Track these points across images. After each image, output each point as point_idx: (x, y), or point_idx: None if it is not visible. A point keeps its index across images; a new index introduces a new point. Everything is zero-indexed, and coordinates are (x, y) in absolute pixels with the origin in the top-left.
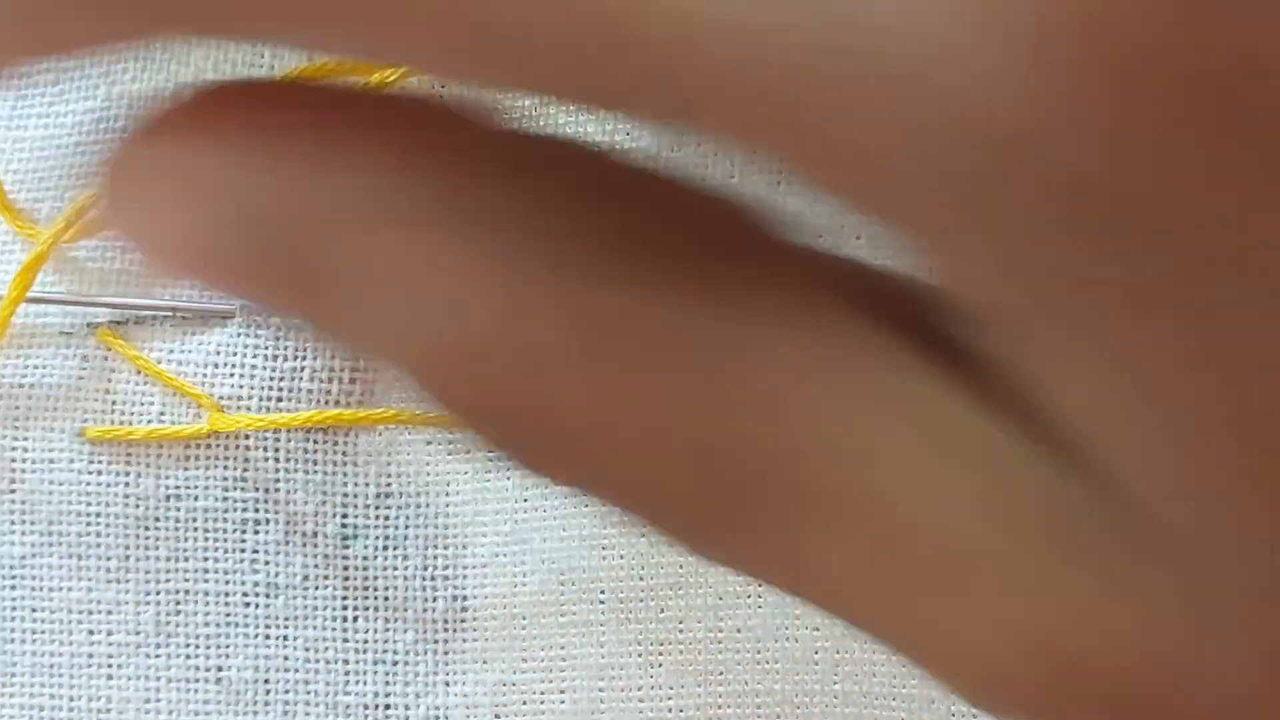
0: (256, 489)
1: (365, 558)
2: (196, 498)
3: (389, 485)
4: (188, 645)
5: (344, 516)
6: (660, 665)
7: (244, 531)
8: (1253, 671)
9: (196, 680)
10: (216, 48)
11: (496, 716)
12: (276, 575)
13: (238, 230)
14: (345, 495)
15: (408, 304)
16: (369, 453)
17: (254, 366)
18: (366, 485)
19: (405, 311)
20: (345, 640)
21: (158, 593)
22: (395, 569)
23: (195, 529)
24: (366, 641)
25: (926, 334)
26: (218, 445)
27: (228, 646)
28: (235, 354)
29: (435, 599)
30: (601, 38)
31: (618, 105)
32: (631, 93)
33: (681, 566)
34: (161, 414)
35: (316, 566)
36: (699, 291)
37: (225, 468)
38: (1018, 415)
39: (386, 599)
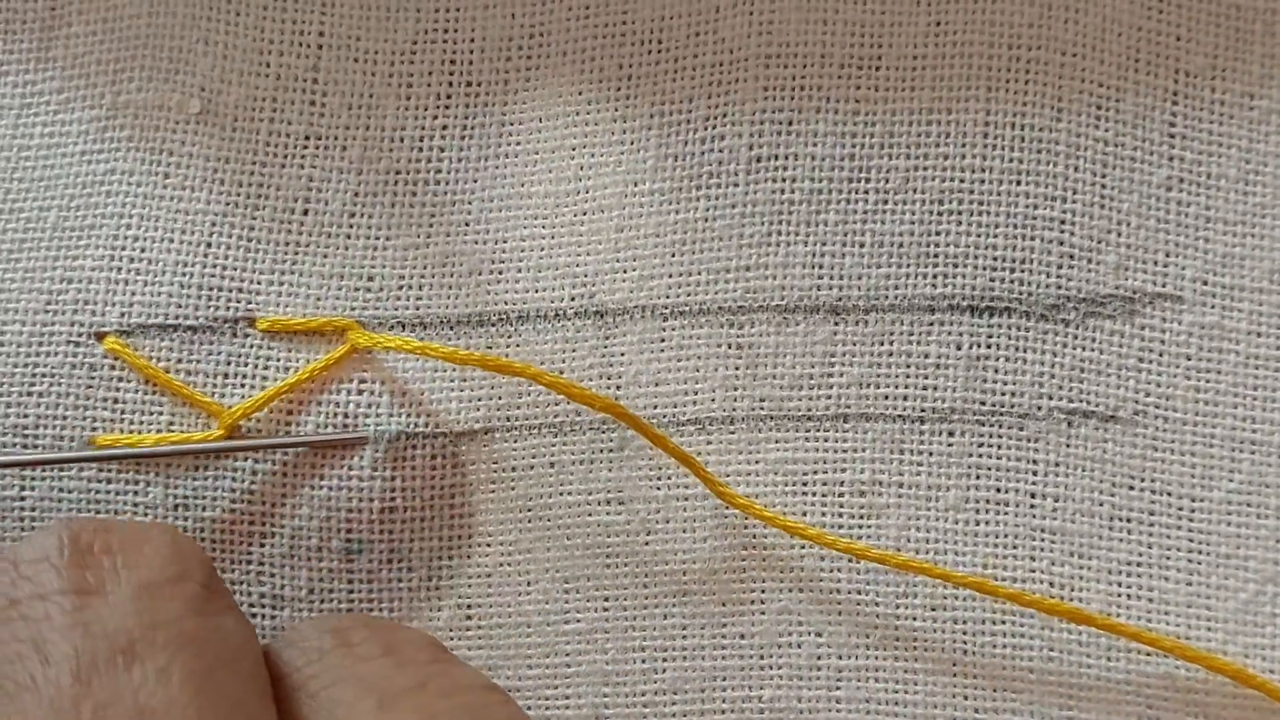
0: (262, 502)
1: (370, 571)
2: (204, 509)
3: (393, 500)
4: None
5: (348, 532)
6: (664, 672)
7: (250, 544)
8: None
9: None
10: (221, 57)
11: None
12: (283, 587)
13: None
14: (349, 511)
15: None
16: (372, 469)
17: (265, 377)
18: (370, 501)
19: None
20: None
21: None
22: (400, 581)
23: (202, 539)
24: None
25: None
26: (225, 457)
27: None
28: (247, 364)
29: (440, 608)
30: None
31: None
32: None
33: (685, 575)
34: (170, 423)
35: (321, 580)
36: None
37: (232, 480)
38: None
39: (392, 610)
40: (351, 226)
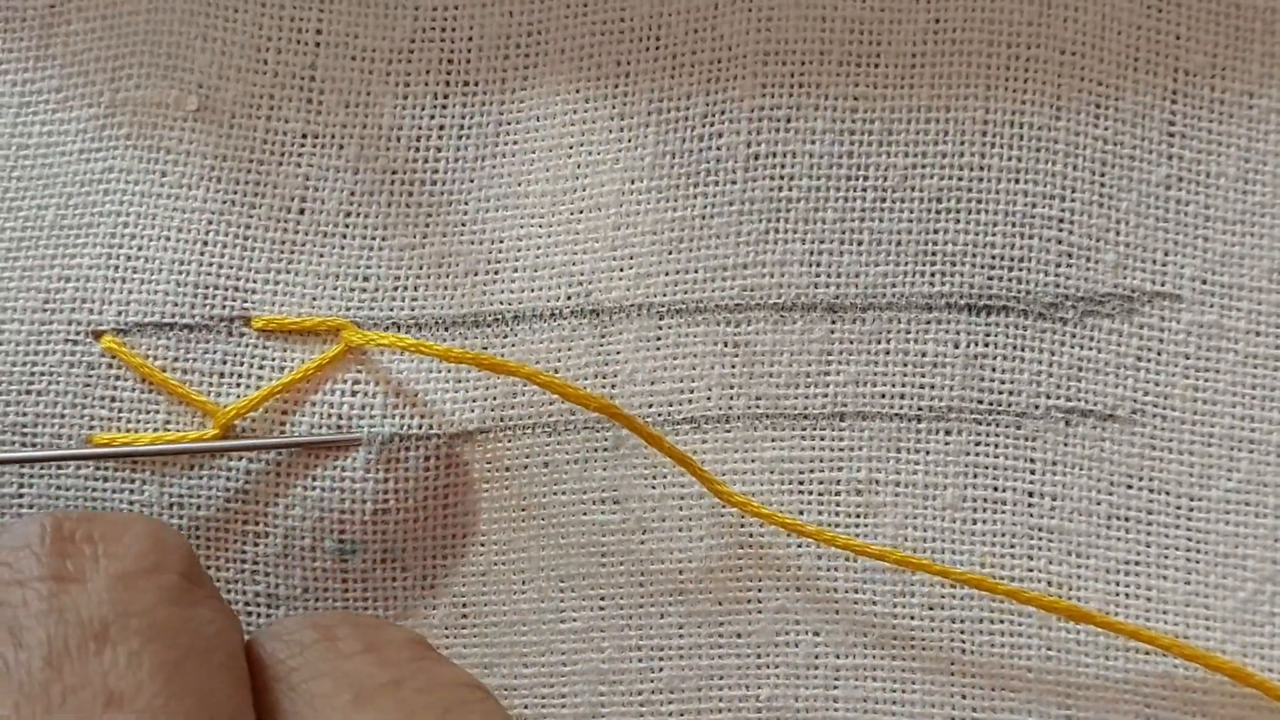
0: (256, 502)
1: (364, 571)
2: (199, 507)
3: (386, 501)
4: None
5: (341, 532)
6: (660, 671)
7: (244, 543)
8: None
9: None
10: (219, 53)
11: None
12: (277, 586)
13: None
14: (342, 512)
15: None
16: (366, 469)
17: (260, 376)
18: (364, 502)
19: None
20: None
21: None
22: (394, 580)
23: (196, 538)
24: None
25: None
26: (220, 457)
27: None
28: (241, 363)
29: (435, 607)
30: None
31: None
32: None
33: (681, 573)
34: (166, 422)
35: (316, 580)
36: None
37: (226, 479)
38: None
39: (386, 609)
40: (348, 226)
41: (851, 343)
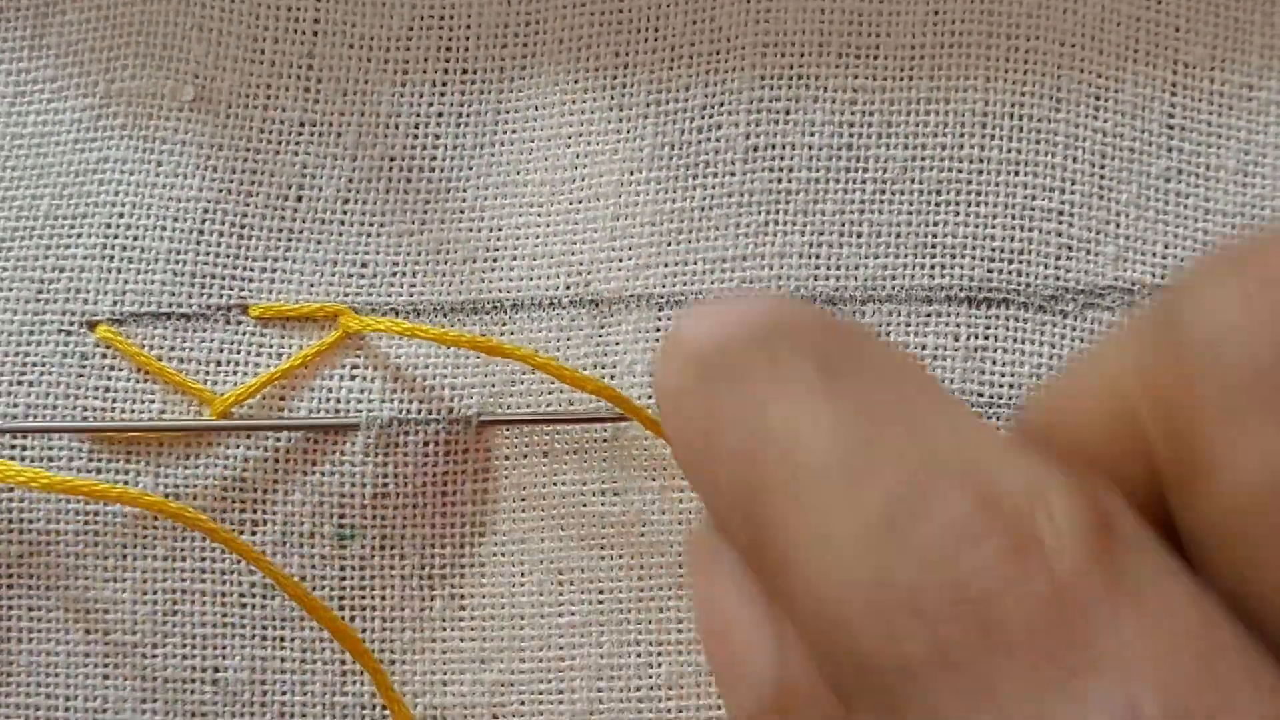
0: (254, 489)
1: (362, 558)
2: (195, 496)
3: (386, 486)
4: (184, 645)
5: (340, 517)
6: (659, 666)
7: (241, 531)
8: None
9: (193, 680)
10: (215, 43)
11: (494, 717)
12: None
13: None
14: (342, 496)
15: None
16: (365, 454)
17: (258, 365)
18: (363, 486)
19: None
20: None
21: (155, 592)
22: (392, 568)
23: None
24: (364, 641)
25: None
26: (216, 444)
27: (225, 646)
28: (239, 351)
29: (433, 598)
30: None
31: None
32: None
33: (681, 567)
34: (162, 412)
35: (314, 567)
36: None
37: (223, 467)
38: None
39: (384, 598)
40: (345, 213)
41: None
